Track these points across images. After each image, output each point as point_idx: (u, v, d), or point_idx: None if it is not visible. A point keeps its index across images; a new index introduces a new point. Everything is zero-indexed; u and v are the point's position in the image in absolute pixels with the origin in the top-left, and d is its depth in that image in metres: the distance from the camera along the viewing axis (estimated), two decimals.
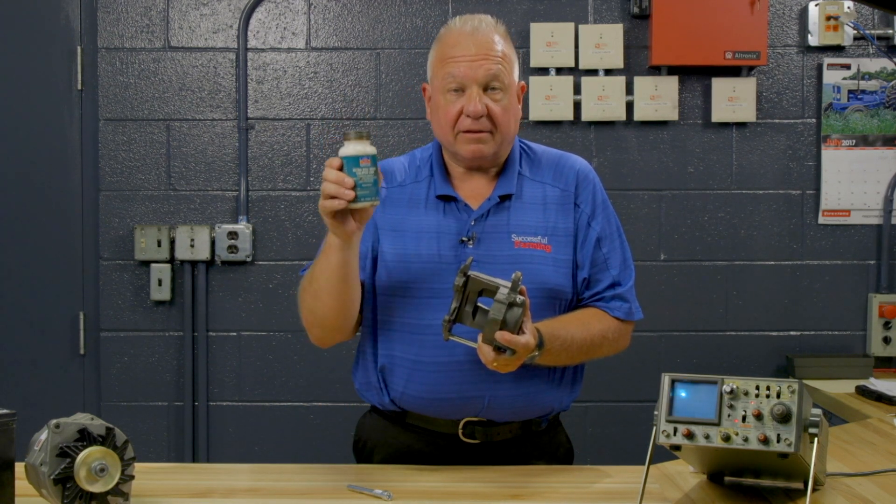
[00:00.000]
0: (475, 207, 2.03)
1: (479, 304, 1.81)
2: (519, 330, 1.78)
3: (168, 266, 3.54)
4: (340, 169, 1.77)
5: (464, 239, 2.00)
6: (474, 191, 2.05)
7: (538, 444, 2.08)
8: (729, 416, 1.58)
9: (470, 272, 1.80)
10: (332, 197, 1.77)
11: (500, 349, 1.79)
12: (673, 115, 3.52)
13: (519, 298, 1.78)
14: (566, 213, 2.05)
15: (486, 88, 1.97)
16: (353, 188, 1.76)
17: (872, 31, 3.53)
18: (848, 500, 1.73)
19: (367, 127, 3.43)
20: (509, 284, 1.78)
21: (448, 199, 2.04)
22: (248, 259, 3.56)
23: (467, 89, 1.97)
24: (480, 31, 1.99)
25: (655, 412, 1.63)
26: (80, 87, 3.59)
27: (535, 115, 3.51)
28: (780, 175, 3.58)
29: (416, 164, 2.11)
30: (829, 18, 3.51)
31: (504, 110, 1.99)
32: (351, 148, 1.78)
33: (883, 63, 3.54)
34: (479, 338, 1.80)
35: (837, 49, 3.56)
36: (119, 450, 1.62)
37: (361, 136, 1.79)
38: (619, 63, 3.50)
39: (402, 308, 1.99)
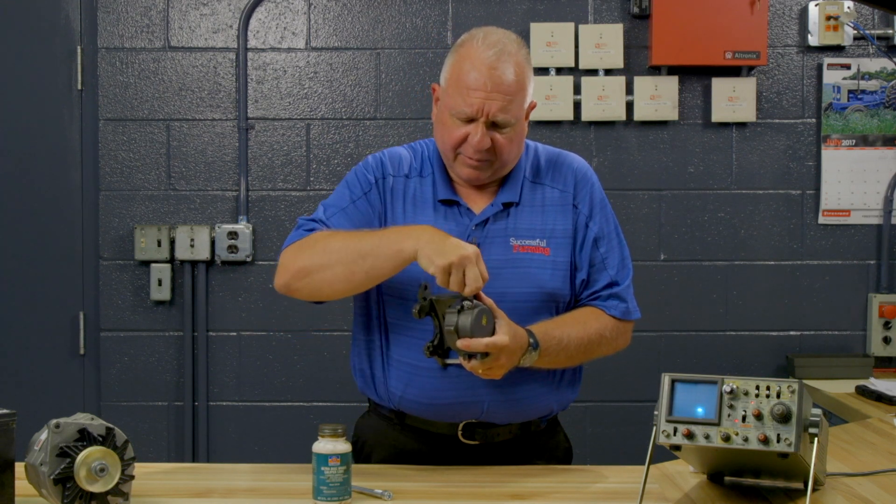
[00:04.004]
0: (477, 211, 2.02)
1: None
2: (492, 331, 1.80)
3: (168, 266, 3.54)
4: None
5: None
6: (477, 193, 2.04)
7: (537, 444, 2.08)
8: (729, 416, 1.58)
9: (432, 296, 1.80)
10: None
11: (470, 356, 1.80)
12: (673, 115, 3.52)
13: (467, 303, 1.79)
14: (565, 215, 2.04)
15: (494, 123, 1.95)
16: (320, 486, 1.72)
17: (872, 31, 3.53)
18: (848, 500, 1.72)
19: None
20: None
21: (450, 203, 2.03)
22: (248, 259, 3.55)
23: (475, 121, 1.94)
24: (501, 62, 1.92)
25: (655, 412, 1.63)
26: (80, 87, 3.59)
27: (534, 114, 3.42)
28: (780, 175, 3.58)
29: (419, 156, 2.09)
30: (829, 18, 3.51)
31: (509, 141, 1.96)
32: (322, 445, 1.72)
33: (883, 63, 3.54)
34: None
35: (837, 49, 3.55)
36: (119, 450, 1.62)
37: (336, 434, 1.73)
38: (619, 63, 3.50)
39: (399, 310, 1.98)
